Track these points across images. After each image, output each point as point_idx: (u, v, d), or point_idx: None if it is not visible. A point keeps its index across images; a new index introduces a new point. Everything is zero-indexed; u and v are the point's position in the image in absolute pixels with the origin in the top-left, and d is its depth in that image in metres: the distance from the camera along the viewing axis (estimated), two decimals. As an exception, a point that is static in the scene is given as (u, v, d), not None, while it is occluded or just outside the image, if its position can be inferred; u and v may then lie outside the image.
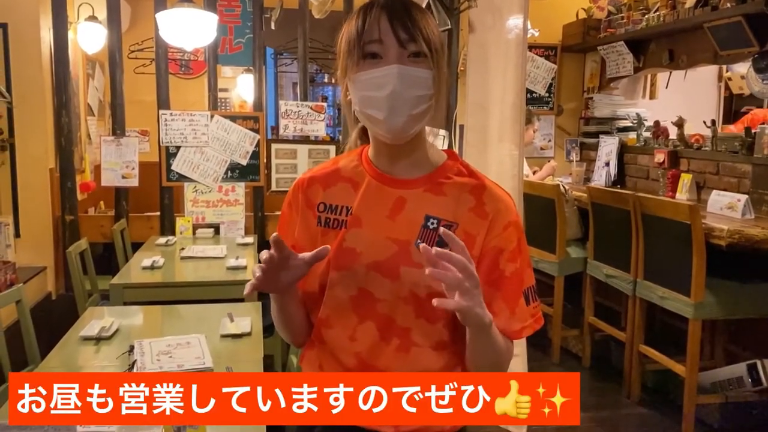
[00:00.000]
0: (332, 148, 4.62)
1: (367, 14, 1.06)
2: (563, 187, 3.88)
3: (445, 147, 2.51)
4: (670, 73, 4.65)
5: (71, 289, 4.10)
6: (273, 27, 4.42)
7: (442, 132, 2.50)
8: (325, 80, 7.28)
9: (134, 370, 1.92)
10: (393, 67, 1.03)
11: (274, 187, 4.52)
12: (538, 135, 5.06)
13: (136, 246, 4.02)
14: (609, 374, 3.70)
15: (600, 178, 4.73)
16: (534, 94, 5.17)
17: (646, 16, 4.36)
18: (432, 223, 1.10)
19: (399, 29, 1.04)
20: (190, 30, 3.35)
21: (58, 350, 2.16)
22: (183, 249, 3.74)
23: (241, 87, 5.92)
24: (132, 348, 2.11)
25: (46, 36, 4.11)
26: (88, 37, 4.66)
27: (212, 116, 4.35)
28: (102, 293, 3.53)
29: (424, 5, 2.40)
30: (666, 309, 3.12)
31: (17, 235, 4.04)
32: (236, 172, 4.44)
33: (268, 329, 2.39)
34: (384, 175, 1.14)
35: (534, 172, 4.60)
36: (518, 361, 2.22)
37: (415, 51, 1.05)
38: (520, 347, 2.24)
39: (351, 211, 1.14)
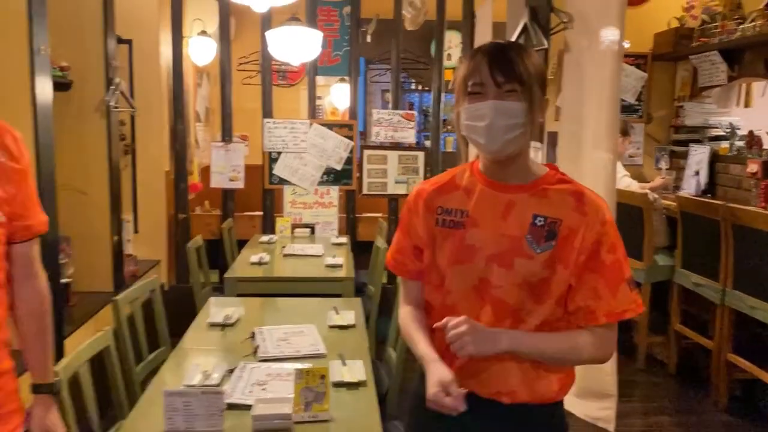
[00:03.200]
0: (421, 155, 4.82)
1: (473, 59, 1.30)
2: (651, 195, 3.92)
3: (540, 157, 2.66)
4: (767, 83, 4.57)
5: (182, 281, 4.51)
6: (368, 39, 4.67)
7: (538, 144, 2.65)
8: (412, 87, 7.49)
9: (258, 354, 2.19)
10: (490, 103, 1.25)
11: (365, 191, 4.78)
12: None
13: (240, 242, 4.37)
14: (695, 381, 3.72)
15: (689, 186, 4.71)
16: (623, 103, 5.19)
17: (741, 26, 4.31)
18: (539, 221, 1.29)
19: (496, 73, 1.25)
20: (297, 46, 3.63)
21: (191, 333, 2.46)
22: (284, 247, 4.05)
23: (334, 95, 6.22)
24: (253, 334, 2.38)
25: (164, 50, 4.52)
26: (199, 51, 5.07)
27: (311, 124, 4.64)
28: (212, 285, 3.87)
29: (520, 27, 2.56)
30: (756, 318, 3.13)
31: (136, 231, 4.45)
32: (331, 176, 4.72)
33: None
34: (494, 183, 1.35)
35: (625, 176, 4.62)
36: (608, 362, 2.33)
37: (509, 89, 1.25)
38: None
39: (467, 214, 1.35)
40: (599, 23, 2.42)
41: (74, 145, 3.51)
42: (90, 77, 3.54)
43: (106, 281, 3.61)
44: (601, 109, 2.36)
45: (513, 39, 2.64)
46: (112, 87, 3.55)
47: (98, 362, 2.00)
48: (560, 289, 1.29)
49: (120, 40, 3.89)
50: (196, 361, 2.11)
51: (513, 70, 1.25)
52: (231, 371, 2.02)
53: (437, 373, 1.28)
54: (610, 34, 2.38)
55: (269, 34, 3.66)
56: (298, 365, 1.97)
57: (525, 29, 2.55)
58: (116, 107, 3.62)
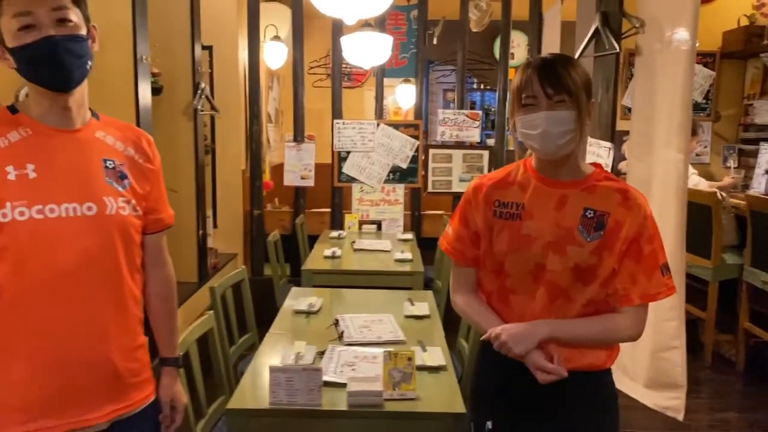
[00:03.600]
0: (486, 153, 4.93)
1: (524, 73, 1.45)
2: (720, 194, 3.93)
3: (610, 157, 2.75)
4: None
5: (256, 273, 4.75)
6: (435, 42, 4.81)
7: (608, 144, 2.73)
8: (474, 86, 7.59)
9: (344, 339, 2.36)
10: (542, 114, 1.41)
11: (430, 189, 4.92)
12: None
13: (309, 237, 4.58)
14: (764, 379, 3.72)
15: (759, 185, 4.66)
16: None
17: (815, 22, 4.26)
18: (589, 213, 1.46)
19: (546, 86, 1.41)
20: (369, 51, 3.81)
21: (279, 320, 2.65)
22: (354, 242, 4.23)
23: (398, 95, 6.38)
24: (336, 321, 2.56)
25: (242, 55, 4.78)
26: (272, 55, 5.32)
27: (378, 124, 4.82)
28: (287, 277, 4.09)
29: (591, 32, 2.64)
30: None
31: (215, 225, 4.72)
32: (397, 174, 4.88)
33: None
34: (547, 179, 1.51)
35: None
36: (677, 353, 2.41)
37: (559, 99, 1.41)
38: (679, 340, 2.43)
39: (523, 207, 1.51)
40: (672, 26, 2.47)
41: (165, 146, 3.76)
42: (178, 82, 3.80)
43: (191, 272, 3.88)
44: (673, 109, 2.43)
45: (584, 43, 2.73)
46: (198, 91, 3.81)
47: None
48: (605, 273, 1.46)
49: (202, 47, 4.16)
50: (288, 344, 2.30)
51: (561, 83, 1.41)
52: (321, 353, 2.21)
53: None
54: (682, 36, 2.43)
55: (344, 40, 3.85)
56: (381, 350, 2.13)
57: (596, 33, 2.64)
58: (201, 110, 3.88)
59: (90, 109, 1.46)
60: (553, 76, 1.41)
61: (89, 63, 1.36)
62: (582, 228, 1.45)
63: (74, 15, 1.32)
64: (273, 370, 1.84)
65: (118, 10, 2.74)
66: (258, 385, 1.97)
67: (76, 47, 1.31)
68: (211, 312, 2.30)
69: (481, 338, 1.54)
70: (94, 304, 1.37)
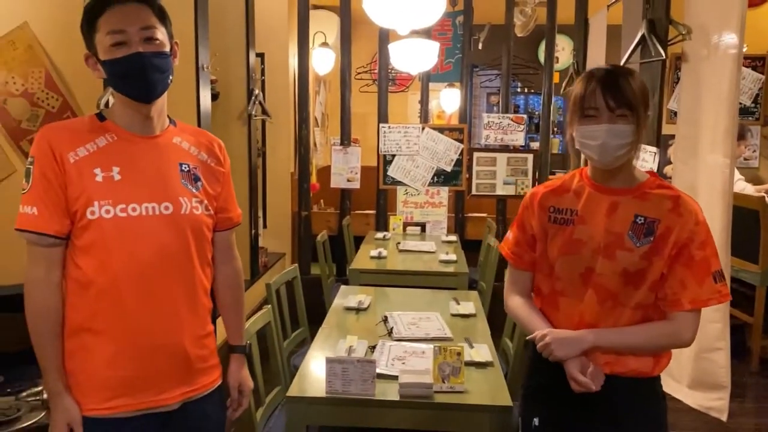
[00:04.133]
0: (530, 157, 4.98)
1: (587, 84, 1.49)
2: (768, 198, 3.90)
3: (655, 161, 2.79)
4: None
5: (305, 272, 4.90)
6: (480, 47, 4.89)
7: (654, 149, 2.77)
8: (518, 90, 7.62)
9: (393, 334, 2.47)
10: (603, 126, 1.46)
11: (474, 191, 4.99)
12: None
13: (354, 238, 4.70)
14: (813, 387, 3.68)
15: (810, 190, 4.59)
16: (739, 105, 5.11)
17: None
18: (639, 220, 1.51)
19: (609, 99, 1.46)
20: (417, 57, 3.91)
21: (331, 316, 2.78)
22: (399, 243, 4.33)
23: (442, 99, 6.46)
24: (385, 318, 2.66)
25: (291, 62, 4.94)
26: (320, 61, 5.47)
27: (423, 128, 4.92)
28: (334, 276, 4.21)
29: (638, 38, 2.69)
30: None
31: (264, 226, 4.89)
32: (441, 177, 4.97)
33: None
34: (601, 187, 1.57)
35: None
36: (721, 355, 2.44)
37: (621, 113, 1.46)
38: (723, 341, 2.46)
39: (577, 213, 1.58)
40: (719, 32, 2.49)
41: (220, 149, 3.95)
42: (233, 89, 3.98)
43: (244, 270, 4.01)
44: (719, 114, 2.46)
45: (630, 50, 2.78)
46: (252, 97, 3.97)
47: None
48: (654, 278, 1.50)
49: (255, 54, 4.32)
50: (340, 338, 2.42)
51: (624, 97, 1.46)
52: (372, 348, 2.32)
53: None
54: (729, 41, 2.44)
55: (392, 47, 3.96)
56: (430, 345, 2.23)
57: (642, 40, 2.68)
58: (255, 115, 4.04)
59: (168, 116, 1.59)
60: (616, 89, 1.46)
61: (171, 77, 1.50)
62: (632, 233, 1.50)
63: (160, 33, 1.45)
64: (329, 361, 1.95)
65: (182, 21, 2.91)
66: (314, 375, 2.09)
67: (161, 63, 1.44)
68: (267, 307, 2.43)
69: (527, 338, 1.62)
70: (170, 295, 1.49)
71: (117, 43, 1.40)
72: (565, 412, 1.60)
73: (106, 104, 2.01)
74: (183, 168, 1.55)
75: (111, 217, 1.42)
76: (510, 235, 1.75)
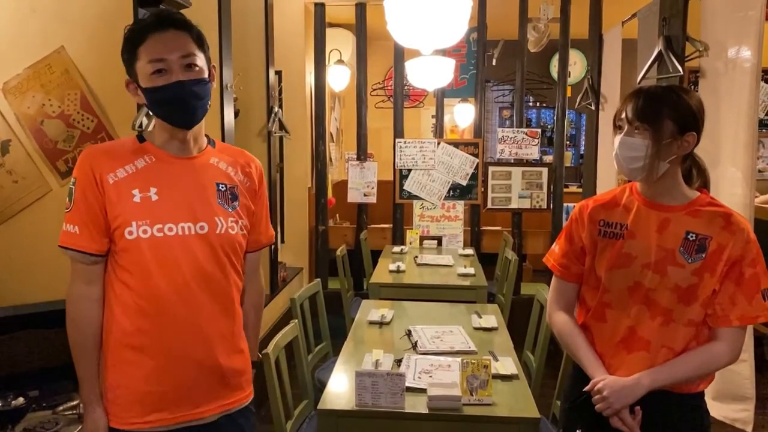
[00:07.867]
0: (545, 170, 5.01)
1: (627, 98, 1.57)
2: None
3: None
4: None
5: (323, 286, 4.93)
6: (494, 63, 4.95)
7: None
8: (530, 104, 7.68)
9: (418, 348, 2.50)
10: (619, 138, 1.54)
11: (489, 205, 5.03)
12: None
13: (371, 252, 4.74)
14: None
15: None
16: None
17: None
18: (691, 236, 1.54)
19: (630, 112, 1.52)
20: (432, 74, 3.98)
21: (355, 329, 2.81)
22: (416, 257, 4.37)
23: (456, 114, 6.53)
24: (409, 332, 2.69)
25: (308, 79, 5.01)
26: (336, 78, 5.55)
27: (438, 143, 4.97)
28: (353, 290, 4.25)
29: (654, 54, 2.74)
30: None
31: (282, 241, 4.94)
32: (457, 191, 5.02)
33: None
34: (651, 202, 1.60)
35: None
36: (745, 366, 2.46)
37: (638, 126, 1.51)
38: (747, 353, 2.47)
39: (627, 227, 1.61)
40: (736, 47, 2.54)
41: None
42: (253, 106, 4.04)
43: (264, 285, 4.08)
44: (738, 127, 2.49)
45: (646, 66, 2.83)
46: (272, 115, 4.04)
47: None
48: (705, 294, 1.52)
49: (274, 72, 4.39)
50: (366, 352, 2.45)
51: (642, 112, 1.51)
52: (398, 361, 2.35)
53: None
54: (746, 55, 2.49)
55: (408, 65, 4.03)
56: (455, 359, 2.26)
57: (659, 56, 2.73)
58: (274, 132, 4.11)
59: (206, 135, 1.64)
60: (640, 104, 1.52)
61: (209, 102, 1.55)
62: (683, 250, 1.53)
63: (200, 60, 1.50)
64: (359, 374, 1.99)
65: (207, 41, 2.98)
66: (342, 388, 2.13)
67: (201, 90, 1.49)
68: (294, 321, 2.47)
69: (584, 389, 1.61)
70: (206, 312, 1.54)
71: (158, 71, 1.44)
72: (609, 427, 1.60)
73: (140, 125, 2.07)
74: (220, 188, 1.58)
75: (148, 237, 1.47)
76: (556, 247, 1.77)
